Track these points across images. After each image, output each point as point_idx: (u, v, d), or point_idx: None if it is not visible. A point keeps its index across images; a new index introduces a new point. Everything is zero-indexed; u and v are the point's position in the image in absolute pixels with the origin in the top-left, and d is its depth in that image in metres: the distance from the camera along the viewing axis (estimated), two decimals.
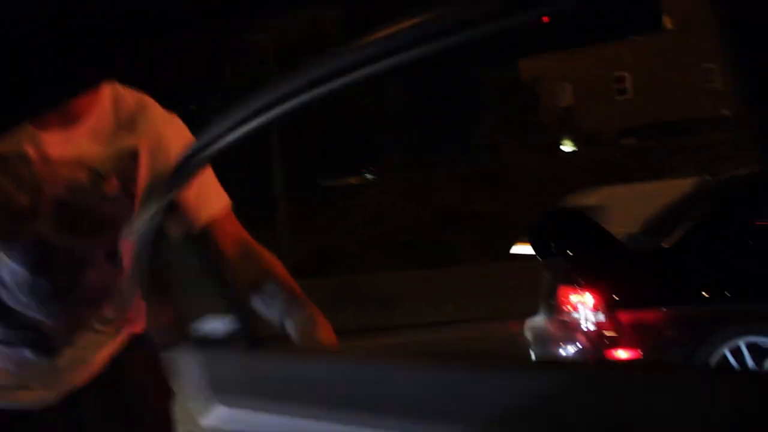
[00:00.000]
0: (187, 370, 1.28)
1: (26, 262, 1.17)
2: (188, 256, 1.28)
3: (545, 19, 0.86)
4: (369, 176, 22.18)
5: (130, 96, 1.23)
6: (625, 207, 6.85)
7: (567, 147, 24.45)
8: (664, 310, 4.21)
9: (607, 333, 4.19)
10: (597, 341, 4.21)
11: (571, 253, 4.54)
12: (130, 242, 1.24)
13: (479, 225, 17.44)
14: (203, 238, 1.25)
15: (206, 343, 1.27)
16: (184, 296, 1.32)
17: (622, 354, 4.17)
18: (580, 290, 4.39)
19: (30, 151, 1.14)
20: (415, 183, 19.86)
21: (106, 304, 1.27)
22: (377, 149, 22.56)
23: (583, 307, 4.35)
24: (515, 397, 0.87)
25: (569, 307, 4.48)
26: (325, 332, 1.11)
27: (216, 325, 1.27)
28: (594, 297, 4.30)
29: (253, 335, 1.22)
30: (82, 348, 1.26)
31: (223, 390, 1.22)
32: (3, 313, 1.19)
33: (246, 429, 1.19)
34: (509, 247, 12.56)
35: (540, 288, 5.15)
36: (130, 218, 1.25)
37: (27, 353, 1.22)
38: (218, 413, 1.22)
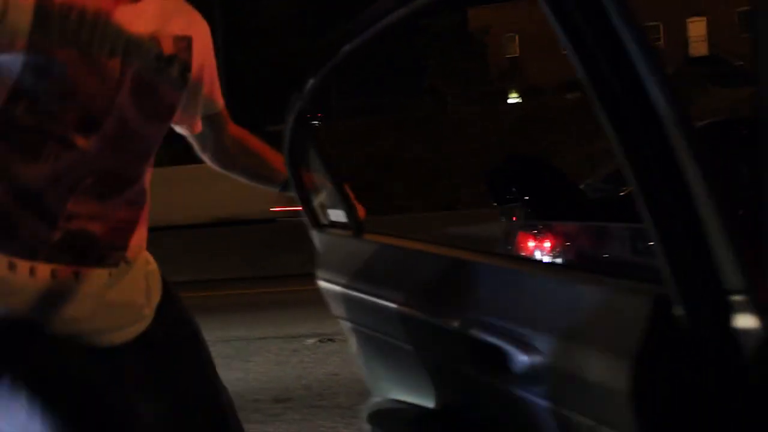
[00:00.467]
0: (317, 246, 1.73)
1: (104, 141, 1.07)
2: (316, 157, 1.62)
3: None
4: (314, 122, 21.96)
5: None
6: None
7: (512, 98, 24.60)
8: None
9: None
10: None
11: (530, 199, 4.56)
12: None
13: (424, 173, 17.50)
14: (217, 120, 1.39)
15: (330, 227, 1.70)
16: (318, 189, 1.68)
17: None
18: (539, 236, 4.43)
19: (113, 16, 1.07)
20: (359, 129, 19.76)
21: (141, 213, 1.18)
22: (323, 94, 22.31)
23: (541, 252, 4.40)
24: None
25: (527, 252, 4.52)
26: None
27: (337, 213, 1.65)
28: (552, 242, 4.35)
29: (360, 223, 1.60)
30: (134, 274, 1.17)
31: (334, 263, 1.65)
32: (50, 219, 1.05)
33: (347, 294, 1.57)
34: (458, 196, 12.60)
35: (497, 234, 5.19)
36: (180, 110, 1.21)
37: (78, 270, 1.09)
38: (328, 281, 1.64)
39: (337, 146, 18.67)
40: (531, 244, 4.43)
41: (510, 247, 4.72)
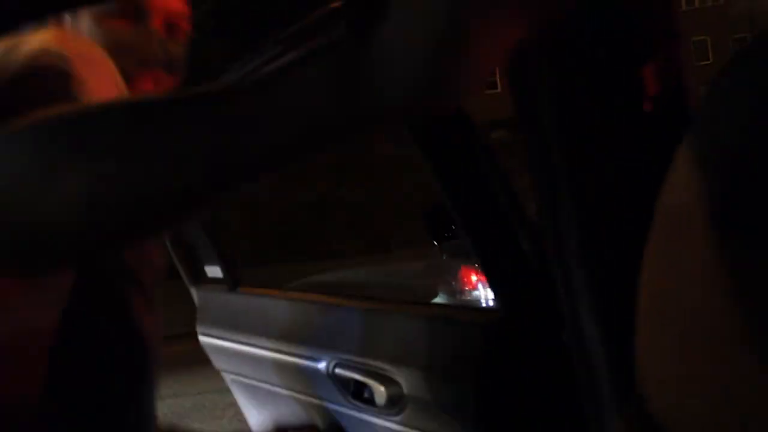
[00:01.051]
0: (196, 302, 1.74)
1: None
2: None
3: None
4: None
5: None
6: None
7: None
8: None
9: None
10: None
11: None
12: None
13: (354, 216, 17.55)
14: None
15: (207, 281, 1.71)
16: (196, 244, 1.69)
17: None
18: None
19: None
20: (288, 173, 19.69)
21: None
22: None
23: (484, 286, 4.46)
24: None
25: (470, 287, 4.58)
26: None
27: (213, 269, 1.67)
28: None
29: (234, 278, 1.64)
30: None
31: (211, 317, 1.67)
32: None
33: (224, 346, 1.60)
34: (387, 238, 12.56)
35: (439, 270, 5.24)
36: None
37: None
38: (207, 335, 1.68)
39: (269, 191, 18.55)
40: (474, 278, 4.49)
41: (454, 284, 4.77)
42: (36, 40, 0.71)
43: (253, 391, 1.63)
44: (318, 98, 0.36)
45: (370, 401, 1.20)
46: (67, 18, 1.00)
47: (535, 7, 0.34)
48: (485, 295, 4.46)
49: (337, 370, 1.27)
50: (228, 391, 1.79)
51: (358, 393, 1.24)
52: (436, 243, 5.04)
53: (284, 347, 1.42)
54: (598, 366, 0.65)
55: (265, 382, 1.54)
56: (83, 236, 0.40)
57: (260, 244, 15.47)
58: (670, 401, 0.31)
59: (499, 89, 29.14)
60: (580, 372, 0.68)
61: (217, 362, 1.72)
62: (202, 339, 1.72)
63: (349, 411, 1.29)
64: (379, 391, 1.17)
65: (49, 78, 0.69)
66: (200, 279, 1.76)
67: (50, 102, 0.47)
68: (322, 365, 1.31)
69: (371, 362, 1.20)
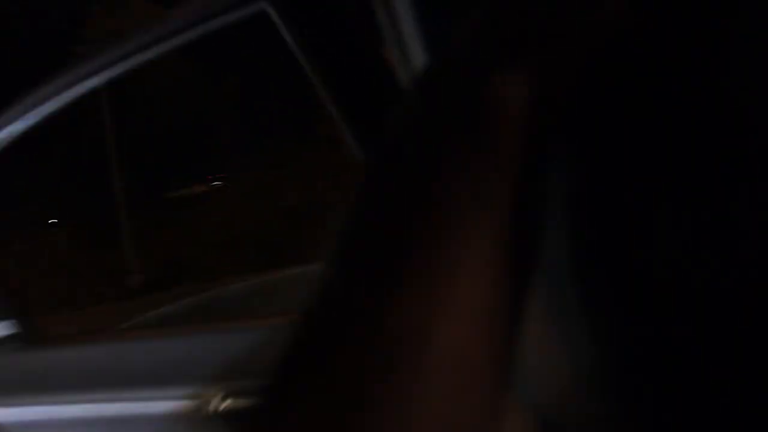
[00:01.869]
0: None
1: None
2: None
3: None
4: (216, 183, 21.62)
5: None
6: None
7: None
8: None
9: None
10: None
11: None
12: None
13: (331, 222, 17.50)
14: None
15: None
16: None
17: None
18: None
19: None
20: (262, 185, 19.58)
21: None
22: (220, 154, 22.03)
23: None
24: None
25: None
26: None
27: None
28: None
29: (33, 333, 1.37)
30: None
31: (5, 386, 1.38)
32: None
33: (25, 421, 1.33)
34: None
35: None
36: None
37: None
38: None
39: (243, 201, 18.39)
40: None
41: None
42: None
43: None
44: None
45: None
46: None
47: None
48: None
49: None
50: None
51: None
52: None
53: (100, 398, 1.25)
54: None
55: None
56: None
57: (235, 255, 15.41)
58: None
59: None
60: None
61: None
62: None
63: None
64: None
65: None
66: None
67: None
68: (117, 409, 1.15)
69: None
